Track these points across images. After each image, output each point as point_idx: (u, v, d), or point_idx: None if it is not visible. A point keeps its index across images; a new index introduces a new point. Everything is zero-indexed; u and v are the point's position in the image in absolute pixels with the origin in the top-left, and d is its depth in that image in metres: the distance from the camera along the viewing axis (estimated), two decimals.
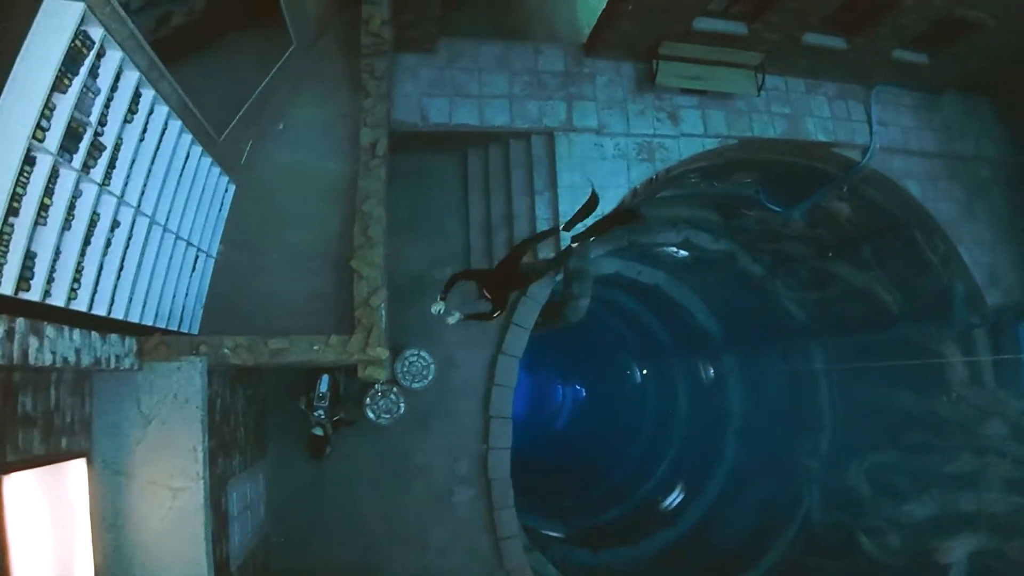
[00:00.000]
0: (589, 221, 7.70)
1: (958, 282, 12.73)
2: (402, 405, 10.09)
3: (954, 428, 13.32)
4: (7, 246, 4.64)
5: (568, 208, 10.12)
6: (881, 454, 14.64)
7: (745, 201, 14.43)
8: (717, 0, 10.47)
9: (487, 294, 7.15)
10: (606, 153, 10.74)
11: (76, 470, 6.20)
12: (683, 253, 16.99)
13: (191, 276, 7.82)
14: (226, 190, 8.38)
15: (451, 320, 7.25)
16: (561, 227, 8.15)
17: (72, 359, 5.51)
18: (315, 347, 7.69)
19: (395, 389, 10.06)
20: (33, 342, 4.97)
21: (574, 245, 7.89)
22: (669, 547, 17.41)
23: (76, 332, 5.62)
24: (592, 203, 7.48)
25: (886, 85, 12.43)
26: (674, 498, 19.67)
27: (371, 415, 10.03)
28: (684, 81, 11.14)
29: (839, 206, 13.75)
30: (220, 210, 8.34)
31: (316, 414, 9.62)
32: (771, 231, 15.32)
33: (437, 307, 7.03)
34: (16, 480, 5.08)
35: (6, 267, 4.63)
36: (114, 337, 6.35)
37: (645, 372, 24.72)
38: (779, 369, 18.44)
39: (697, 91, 11.31)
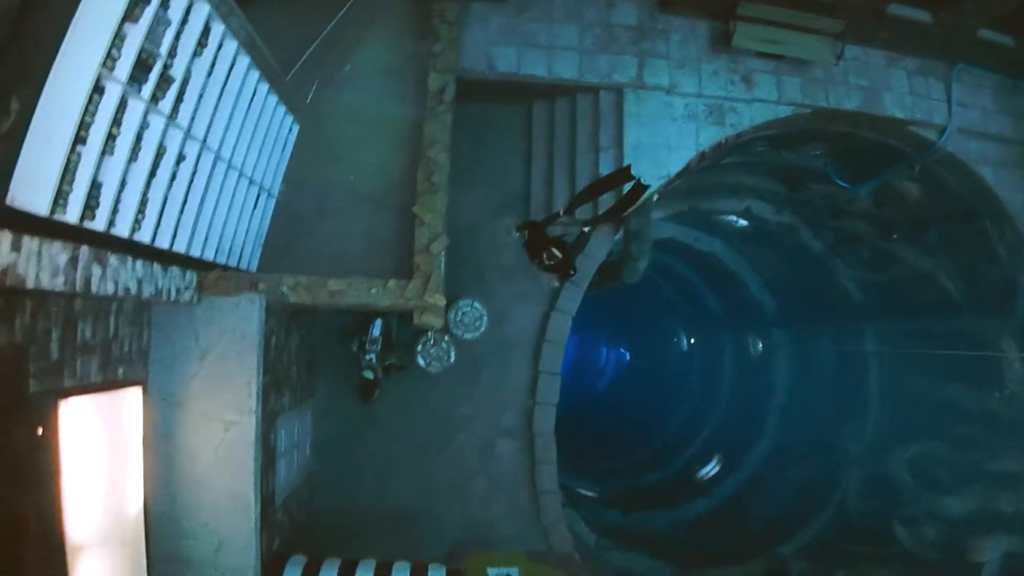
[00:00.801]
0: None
1: (1022, 275, 12.28)
2: (452, 354, 10.08)
3: (1003, 425, 12.94)
4: (74, 175, 4.60)
5: (633, 164, 9.78)
6: (926, 444, 14.32)
7: (812, 174, 14.01)
8: None
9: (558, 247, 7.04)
10: (675, 113, 10.46)
11: (132, 399, 6.30)
12: (743, 223, 16.62)
13: (252, 214, 7.82)
14: (290, 130, 8.32)
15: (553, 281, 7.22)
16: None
17: (133, 289, 5.53)
18: (373, 290, 7.67)
19: (446, 338, 10.05)
20: (96, 271, 5.00)
21: (585, 229, 7.56)
22: (702, 516, 17.34)
23: (139, 263, 5.64)
24: (638, 189, 7.24)
25: (968, 65, 11.85)
26: (711, 469, 19.54)
27: (422, 362, 10.04)
28: (761, 44, 10.75)
29: (909, 187, 13.28)
30: (284, 149, 8.30)
31: (367, 358, 9.67)
32: (836, 207, 14.88)
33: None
34: (72, 405, 5.14)
35: (72, 195, 4.61)
36: (175, 270, 6.38)
37: (692, 341, 24.46)
38: (829, 349, 18.08)
39: (773, 56, 10.90)
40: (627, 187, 7.35)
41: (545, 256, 6.94)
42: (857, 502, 15.47)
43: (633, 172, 7.11)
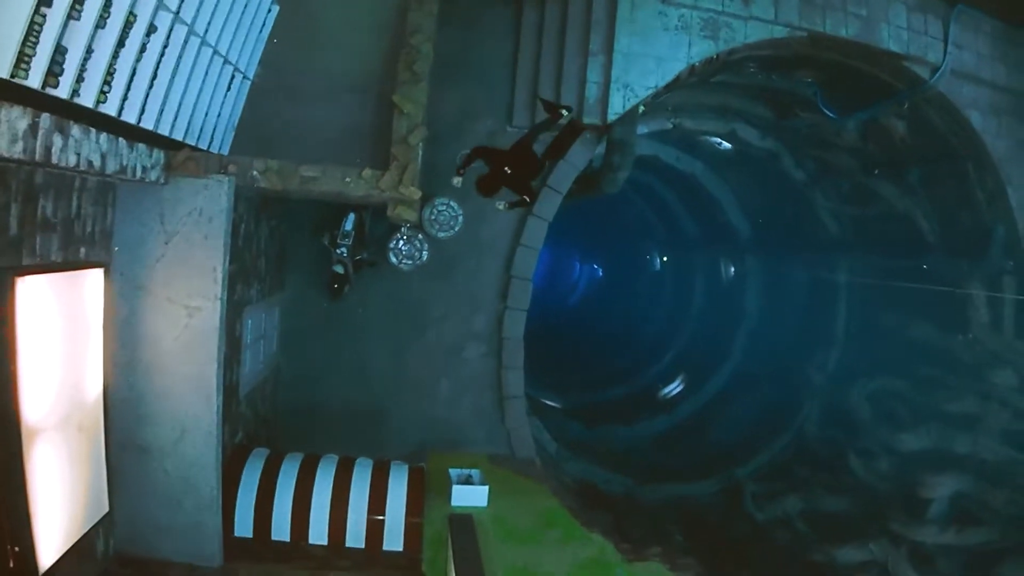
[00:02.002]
0: None
1: (1000, 223, 12.25)
2: (425, 253, 9.93)
3: (965, 369, 13.09)
4: (37, 37, 4.31)
5: (621, 72, 9.74)
6: (887, 380, 14.47)
7: (800, 101, 13.76)
8: None
9: (509, 181, 6.97)
10: (669, 23, 10.12)
11: (93, 281, 6.09)
12: (726, 146, 16.38)
13: (226, 95, 7.50)
14: (269, 10, 7.92)
15: (499, 206, 7.41)
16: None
17: (97, 163, 5.28)
18: (347, 179, 7.44)
19: (420, 236, 9.88)
20: (58, 140, 4.74)
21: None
22: (663, 434, 17.59)
23: (103, 136, 5.38)
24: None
25: (968, 7, 11.55)
26: (675, 387, 19.75)
27: (393, 259, 9.89)
28: None
29: (896, 123, 13.09)
30: (261, 30, 7.91)
31: (338, 251, 9.51)
32: (821, 137, 14.68)
33: (457, 180, 6.95)
34: (30, 284, 4.94)
35: (35, 59, 4.33)
36: (142, 147, 6.11)
37: (665, 260, 24.44)
38: (801, 278, 18.10)
39: None
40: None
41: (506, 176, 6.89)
42: (815, 430, 15.73)
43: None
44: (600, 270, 30.18)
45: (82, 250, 5.99)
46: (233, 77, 7.54)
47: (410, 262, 9.94)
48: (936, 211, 13.64)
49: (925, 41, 11.31)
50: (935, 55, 11.33)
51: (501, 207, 7.48)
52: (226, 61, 7.21)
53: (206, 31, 6.58)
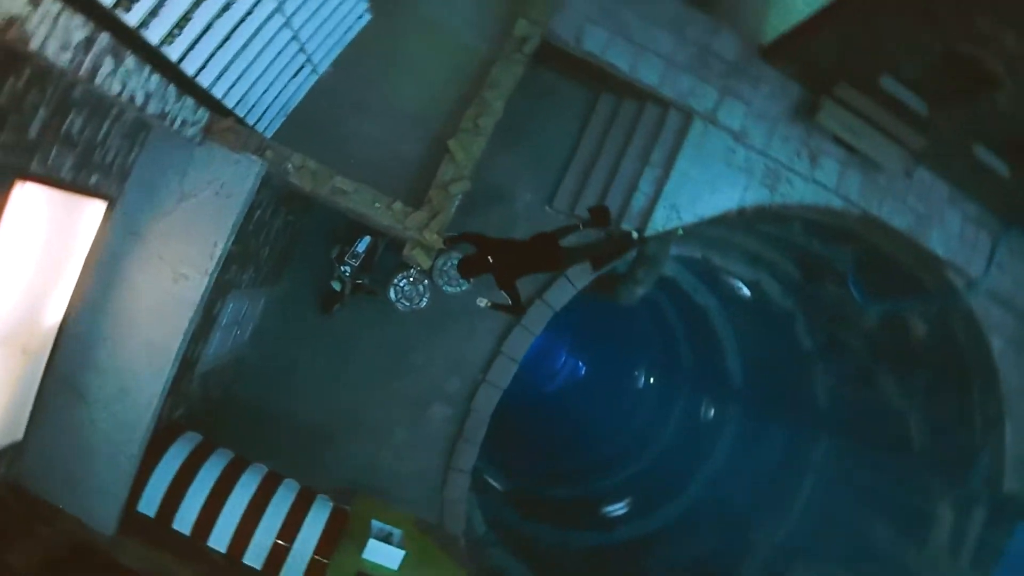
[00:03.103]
0: None
1: (988, 453, 12.06)
2: (425, 300, 9.71)
3: None
4: None
5: (673, 191, 9.61)
6: (831, 569, 14.17)
7: (832, 272, 13.72)
8: (913, 67, 9.67)
9: (500, 279, 7.04)
10: (733, 160, 10.07)
11: (93, 212, 5.88)
12: (746, 292, 16.33)
13: (289, 82, 7.38)
14: (360, 16, 7.87)
15: (480, 303, 7.41)
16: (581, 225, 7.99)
17: (139, 100, 5.09)
18: (376, 204, 7.25)
19: (426, 282, 9.67)
20: (108, 64, 4.57)
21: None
22: (594, 549, 17.10)
23: (156, 76, 5.21)
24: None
25: (1022, 232, 11.58)
26: (619, 507, 19.31)
27: (392, 295, 9.66)
28: (842, 130, 10.36)
29: (918, 323, 13.01)
30: (347, 33, 7.84)
31: (343, 269, 9.33)
32: (840, 314, 14.59)
33: (443, 259, 7.06)
34: (28, 191, 4.73)
35: None
36: (190, 101, 5.95)
37: (651, 381, 24.22)
38: (777, 442, 17.85)
39: (848, 146, 10.53)
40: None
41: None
42: None
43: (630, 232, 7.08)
44: (584, 368, 29.90)
45: (94, 177, 5.78)
46: (303, 67, 7.44)
47: (408, 304, 9.72)
48: (930, 420, 13.44)
49: (971, 254, 11.29)
50: (976, 269, 11.29)
51: (482, 304, 7.45)
52: (302, 49, 7.11)
53: (293, 13, 6.49)
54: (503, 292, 7.15)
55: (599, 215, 8.07)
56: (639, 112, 10.23)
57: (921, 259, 11.43)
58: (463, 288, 9.74)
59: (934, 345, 12.83)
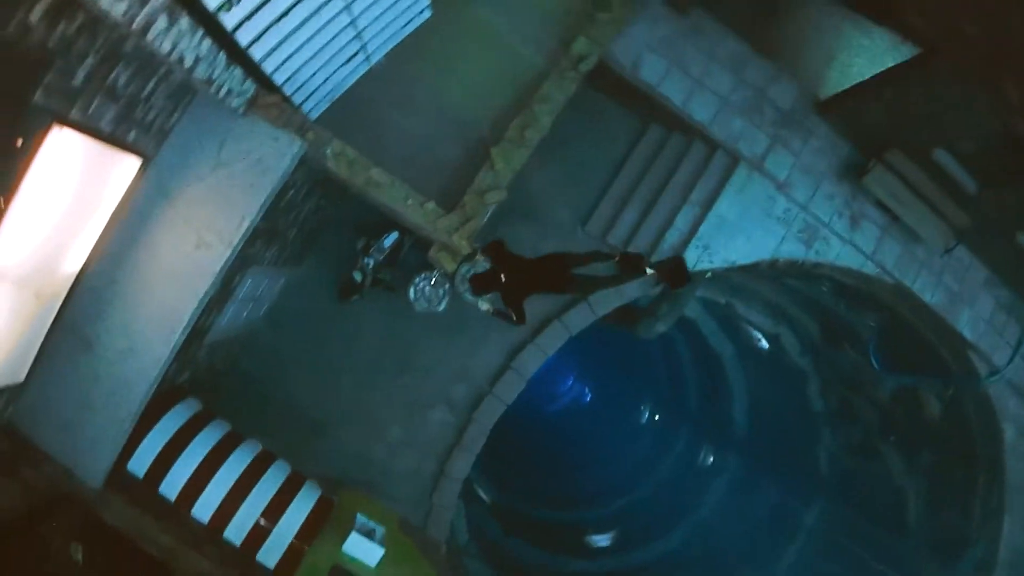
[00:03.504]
0: None
1: (983, 544, 11.82)
2: (444, 304, 9.63)
3: None
4: None
5: (708, 232, 9.52)
6: None
7: (853, 338, 13.53)
8: (968, 143, 9.53)
9: (507, 297, 7.10)
10: (773, 210, 9.93)
11: (127, 167, 5.86)
12: (764, 345, 16.15)
13: (340, 67, 7.33)
14: (422, 11, 7.83)
15: (482, 306, 7.60)
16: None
17: (188, 63, 5.08)
18: (409, 201, 7.22)
19: (447, 286, 9.60)
20: (161, 22, 4.55)
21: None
22: (575, 575, 16.99)
23: (208, 41, 5.19)
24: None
25: None
26: (602, 539, 19.16)
27: (411, 294, 9.60)
28: (887, 197, 10.19)
29: (932, 402, 12.76)
30: (405, 26, 7.79)
31: (366, 261, 9.31)
32: (856, 381, 14.39)
33: (467, 266, 7.06)
34: (65, 136, 4.70)
35: None
36: (239, 71, 5.93)
37: (655, 419, 24.03)
38: (771, 500, 17.64)
39: (891, 213, 10.39)
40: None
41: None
42: None
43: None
44: (589, 396, 29.73)
45: (132, 133, 5.78)
46: (356, 54, 7.39)
47: (425, 305, 9.65)
48: (930, 502, 13.19)
49: (997, 340, 11.06)
50: (1000, 358, 11.05)
51: (484, 308, 7.63)
52: (358, 36, 7.07)
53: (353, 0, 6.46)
54: (508, 308, 7.18)
55: (631, 262, 8.12)
56: (686, 148, 10.13)
57: (947, 338, 11.24)
58: (483, 299, 9.67)
59: (945, 426, 12.60)
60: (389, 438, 10.21)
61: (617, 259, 8.47)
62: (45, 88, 4.45)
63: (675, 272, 8.27)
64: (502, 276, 7.14)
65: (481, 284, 7.23)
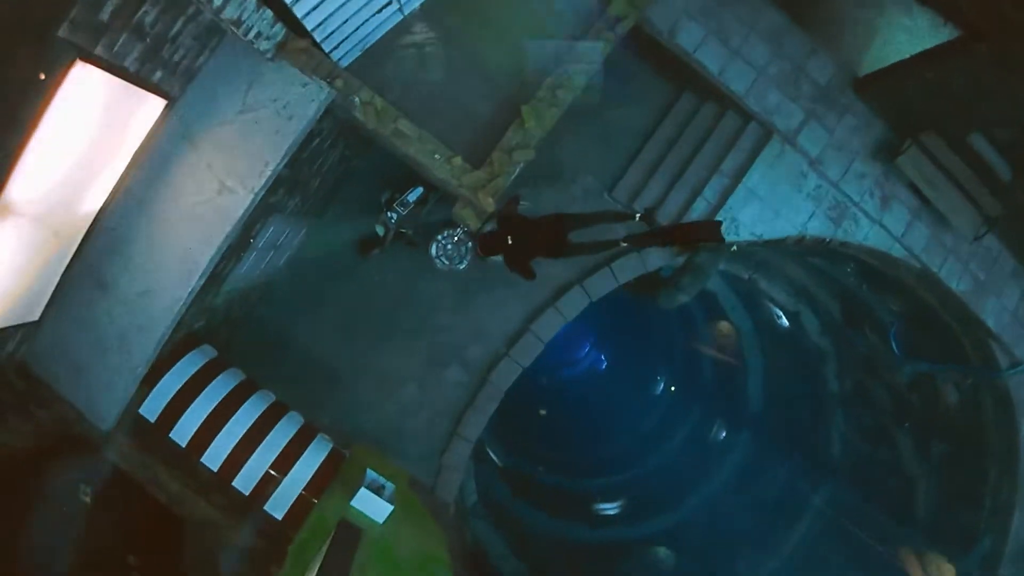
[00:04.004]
0: None
1: (991, 536, 11.71)
2: (465, 262, 9.56)
3: None
4: None
5: (736, 205, 9.37)
6: None
7: (874, 322, 13.32)
8: (1006, 129, 9.26)
9: (509, 259, 7.10)
10: (804, 187, 9.73)
11: (151, 108, 5.75)
12: (783, 322, 15.96)
13: (373, 16, 7.16)
14: None
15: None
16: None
17: (218, 1, 4.93)
18: (437, 155, 7.07)
19: (470, 244, 9.50)
20: None
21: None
22: (578, 542, 17.02)
23: None
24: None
25: None
26: (610, 507, 19.19)
27: (433, 251, 9.51)
28: (920, 179, 9.95)
29: (950, 391, 12.58)
30: None
31: (389, 215, 9.20)
32: (873, 365, 14.20)
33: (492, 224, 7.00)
34: (88, 72, 4.59)
35: None
36: (269, 13, 5.80)
37: (670, 390, 23.94)
38: (780, 478, 17.56)
39: (922, 197, 10.14)
40: None
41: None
42: None
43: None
44: (605, 363, 29.66)
45: (158, 74, 5.65)
46: (389, 3, 7.23)
47: (446, 263, 9.56)
48: (939, 492, 13.07)
49: (1021, 332, 10.88)
50: (1022, 351, 10.87)
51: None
52: None
53: None
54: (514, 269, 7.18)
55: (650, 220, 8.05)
56: (718, 118, 9.94)
57: (970, 328, 11.05)
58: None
59: (961, 417, 12.43)
60: (402, 395, 10.17)
61: (638, 218, 8.35)
62: (70, 23, 4.33)
63: (706, 231, 8.16)
64: (508, 238, 7.03)
65: (488, 244, 7.13)
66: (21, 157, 4.46)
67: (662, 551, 16.80)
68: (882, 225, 10.08)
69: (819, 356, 15.57)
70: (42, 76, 4.29)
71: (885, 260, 10.48)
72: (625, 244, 8.58)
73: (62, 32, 4.32)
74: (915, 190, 10.07)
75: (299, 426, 8.21)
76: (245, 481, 7.71)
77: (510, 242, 7.13)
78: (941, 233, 10.32)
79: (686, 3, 9.25)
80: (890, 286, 11.73)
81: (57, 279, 6.09)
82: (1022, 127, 8.94)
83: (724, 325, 18.12)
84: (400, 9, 7.45)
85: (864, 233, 10.07)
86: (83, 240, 6.05)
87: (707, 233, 8.76)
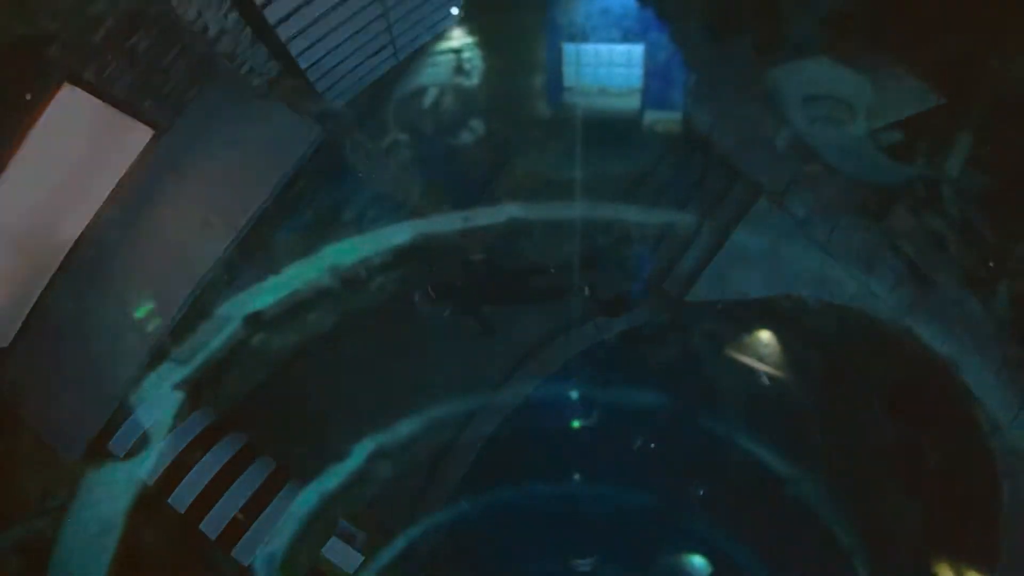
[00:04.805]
0: None
1: None
2: None
3: None
4: None
5: (724, 262, 9.46)
6: None
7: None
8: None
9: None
10: (790, 247, 9.77)
11: (139, 135, 5.67)
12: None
13: (368, 59, 7.16)
14: (447, 17, 7.69)
15: None
16: None
17: (212, 33, 4.93)
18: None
19: None
20: None
21: None
22: None
23: (234, 14, 5.03)
24: None
25: None
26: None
27: None
28: (906, 242, 10.03)
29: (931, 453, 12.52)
30: (434, 27, 7.66)
31: None
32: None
33: None
34: (73, 96, 4.52)
35: None
36: (263, 49, 5.77)
37: None
38: None
39: (908, 259, 10.11)
40: None
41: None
42: None
43: None
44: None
45: (148, 102, 5.59)
46: (384, 48, 7.24)
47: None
48: None
49: (1004, 396, 10.72)
50: (1006, 414, 10.69)
51: None
52: (388, 30, 6.92)
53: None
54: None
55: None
56: (702, 172, 10.00)
57: (953, 391, 11.01)
58: None
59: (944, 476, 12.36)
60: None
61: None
62: (62, 44, 4.28)
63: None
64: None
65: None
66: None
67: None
68: (867, 286, 10.08)
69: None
70: (28, 96, 4.22)
71: (870, 321, 10.47)
72: None
73: (52, 51, 4.27)
74: (901, 252, 10.13)
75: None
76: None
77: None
78: (926, 295, 10.26)
79: None
80: (873, 349, 11.72)
81: (30, 306, 5.93)
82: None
83: None
84: (395, 54, 7.47)
85: (850, 294, 10.07)
86: (59, 266, 5.92)
87: None
